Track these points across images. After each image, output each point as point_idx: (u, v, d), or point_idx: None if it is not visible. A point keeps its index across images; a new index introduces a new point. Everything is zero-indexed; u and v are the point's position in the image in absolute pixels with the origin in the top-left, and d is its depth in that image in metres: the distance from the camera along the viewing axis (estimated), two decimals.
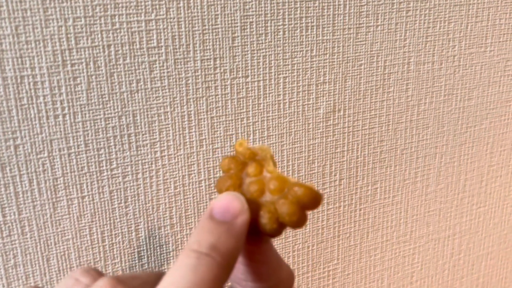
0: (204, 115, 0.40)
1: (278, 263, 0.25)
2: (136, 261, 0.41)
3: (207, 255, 0.21)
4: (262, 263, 0.25)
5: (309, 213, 0.47)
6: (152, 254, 0.41)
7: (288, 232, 0.46)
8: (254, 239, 0.24)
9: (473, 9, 0.47)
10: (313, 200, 0.23)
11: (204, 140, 0.40)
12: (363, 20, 0.43)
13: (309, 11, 0.41)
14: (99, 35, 0.35)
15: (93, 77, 0.36)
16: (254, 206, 0.23)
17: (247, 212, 0.22)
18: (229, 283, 0.26)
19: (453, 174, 0.52)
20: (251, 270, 0.25)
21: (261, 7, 0.39)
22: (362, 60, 0.44)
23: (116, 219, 0.39)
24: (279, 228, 0.23)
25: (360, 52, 0.44)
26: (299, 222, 0.23)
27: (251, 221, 0.23)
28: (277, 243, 0.46)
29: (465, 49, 0.48)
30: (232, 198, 0.23)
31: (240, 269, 0.25)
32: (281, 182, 0.23)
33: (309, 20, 0.41)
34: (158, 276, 0.23)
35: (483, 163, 0.53)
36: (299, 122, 0.44)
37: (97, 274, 0.24)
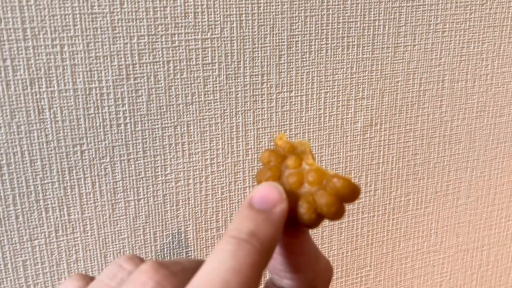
0: (251, 126, 0.43)
1: (315, 256, 0.26)
2: None
3: (246, 241, 0.21)
4: (300, 255, 0.25)
5: (345, 217, 0.49)
6: (199, 255, 0.44)
7: (324, 237, 0.49)
8: (292, 230, 0.24)
9: (506, 30, 0.50)
10: (351, 192, 0.23)
11: (250, 150, 0.43)
12: (401, 40, 0.46)
13: (350, 31, 0.44)
14: (160, 52, 0.39)
15: (153, 90, 0.39)
16: (293, 197, 0.24)
17: (285, 201, 0.23)
18: (268, 274, 0.27)
19: (483, 188, 0.54)
20: (289, 261, 0.25)
21: (307, 27, 0.42)
22: (399, 78, 0.47)
23: (168, 221, 0.42)
24: (317, 219, 0.23)
25: (397, 70, 0.46)
26: (337, 213, 0.23)
27: (290, 212, 0.23)
28: None
29: (498, 68, 0.50)
30: (271, 188, 0.23)
31: (278, 260, 0.25)
32: (320, 174, 0.24)
33: (350, 40, 0.44)
34: (199, 263, 0.24)
35: None
36: (338, 134, 0.46)
37: (140, 260, 0.24)
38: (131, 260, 0.24)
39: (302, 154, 0.25)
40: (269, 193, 0.23)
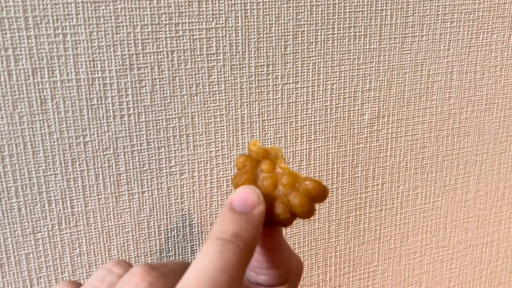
0: (256, 118, 0.42)
1: (288, 252, 0.28)
2: (189, 255, 0.43)
3: (231, 242, 0.23)
4: (275, 252, 0.27)
5: (352, 211, 0.48)
6: None
7: (330, 232, 0.48)
8: (268, 229, 0.26)
9: None
10: (322, 193, 0.26)
11: None
12: (409, 30, 0.45)
13: (357, 21, 0.43)
14: (164, 42, 0.38)
15: (157, 80, 0.39)
16: (268, 199, 0.26)
17: (263, 203, 0.25)
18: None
19: (493, 182, 0.53)
20: (264, 258, 0.27)
21: (313, 17, 0.42)
22: (406, 69, 0.46)
23: (173, 214, 0.42)
24: (291, 218, 0.26)
25: (405, 61, 0.46)
26: (309, 212, 0.26)
27: (266, 212, 0.26)
28: (320, 244, 0.48)
29: (507, 59, 0.50)
30: (250, 191, 0.25)
31: (254, 258, 0.27)
32: (293, 177, 0.26)
33: (357, 30, 0.43)
34: (186, 265, 0.26)
35: None
36: (345, 127, 0.46)
37: (128, 265, 0.26)
38: (119, 265, 0.25)
39: (275, 158, 0.27)
40: (248, 196, 0.25)
